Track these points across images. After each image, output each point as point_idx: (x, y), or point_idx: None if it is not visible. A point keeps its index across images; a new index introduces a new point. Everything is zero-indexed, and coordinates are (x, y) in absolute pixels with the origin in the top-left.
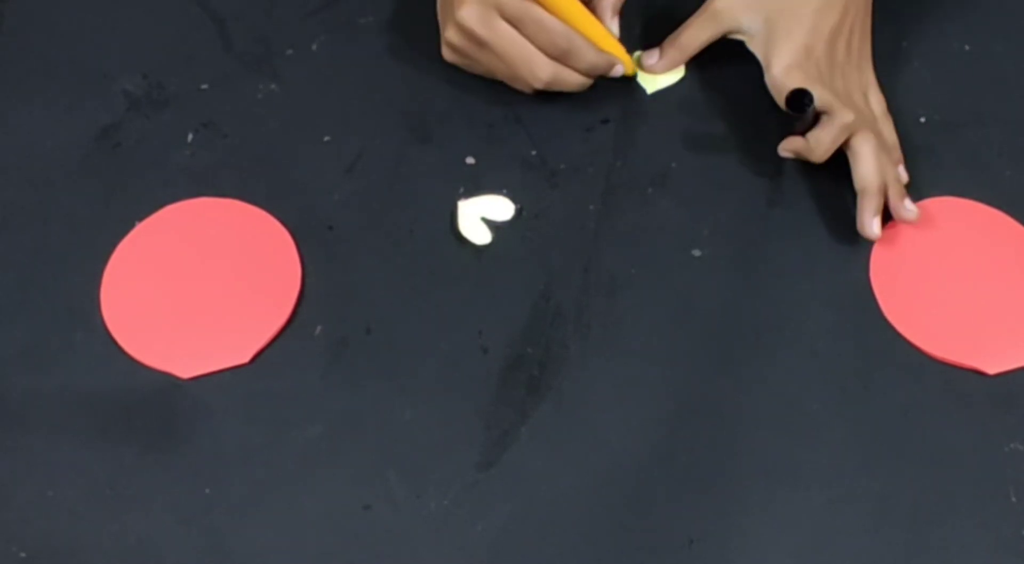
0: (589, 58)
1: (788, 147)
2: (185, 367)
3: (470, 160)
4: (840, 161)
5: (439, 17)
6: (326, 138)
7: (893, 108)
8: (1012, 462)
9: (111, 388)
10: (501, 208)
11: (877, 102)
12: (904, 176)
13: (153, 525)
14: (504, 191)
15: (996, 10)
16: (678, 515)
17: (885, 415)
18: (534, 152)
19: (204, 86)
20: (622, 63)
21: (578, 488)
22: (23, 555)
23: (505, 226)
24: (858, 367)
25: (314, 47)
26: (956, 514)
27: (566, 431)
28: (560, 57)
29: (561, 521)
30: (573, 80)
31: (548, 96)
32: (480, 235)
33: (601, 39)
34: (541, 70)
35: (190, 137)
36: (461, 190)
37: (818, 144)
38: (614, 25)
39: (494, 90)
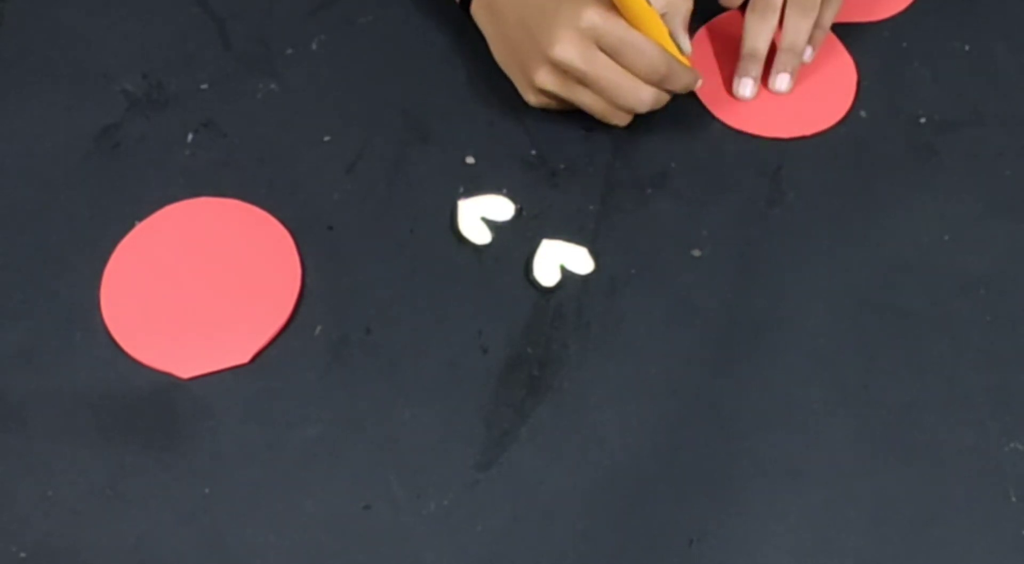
0: (684, 79)
1: None
2: (185, 367)
3: (470, 160)
4: (842, 162)
5: (514, 64)
6: (326, 138)
7: (893, 108)
8: (1012, 462)
9: (111, 388)
10: (501, 208)
11: None
12: (807, 56)
13: (153, 525)
14: (504, 191)
15: (996, 10)
16: (678, 515)
17: (885, 415)
18: (534, 152)
19: (204, 86)
20: (701, 77)
21: (578, 488)
22: (23, 555)
23: (505, 226)
24: (858, 367)
25: (314, 47)
26: (956, 514)
27: (566, 431)
28: (659, 81)
29: (561, 521)
30: (665, 100)
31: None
32: (480, 235)
33: (676, 53)
34: (645, 94)
35: (190, 137)
36: (461, 190)
37: None
38: (685, 41)
39: (494, 90)
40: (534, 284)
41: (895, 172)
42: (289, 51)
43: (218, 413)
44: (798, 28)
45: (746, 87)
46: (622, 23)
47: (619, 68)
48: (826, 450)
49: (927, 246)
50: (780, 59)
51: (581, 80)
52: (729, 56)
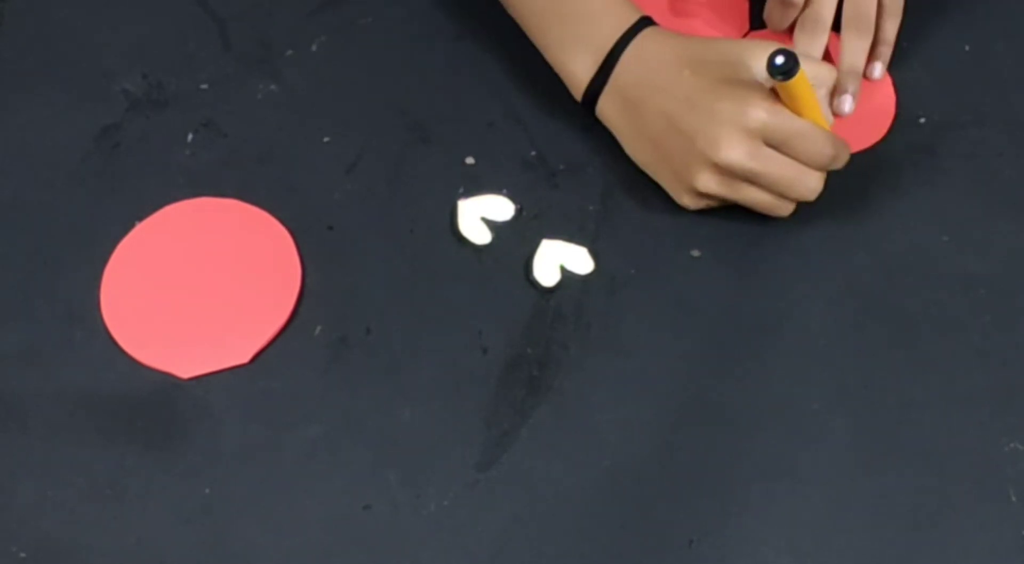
0: (846, 157)
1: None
2: (185, 367)
3: (470, 160)
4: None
5: (664, 166)
6: (326, 138)
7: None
8: (1012, 462)
9: (111, 388)
10: (501, 208)
11: None
12: (877, 73)
13: (153, 525)
14: (504, 191)
15: (996, 10)
16: (678, 515)
17: (885, 415)
18: (534, 152)
19: (204, 86)
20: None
21: (578, 488)
22: (23, 555)
23: (505, 226)
24: (858, 367)
25: (314, 47)
26: (956, 514)
27: (566, 431)
28: (828, 165)
29: (561, 521)
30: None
31: (548, 96)
32: (480, 235)
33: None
34: (814, 182)
35: (190, 137)
36: (461, 190)
37: (766, 10)
38: (830, 115)
39: (494, 90)
40: (534, 284)
41: (895, 172)
42: (289, 52)
43: (218, 413)
44: (855, 49)
45: (848, 103)
46: (787, 114)
47: (788, 160)
48: (826, 450)
49: (927, 246)
50: (841, 81)
51: (748, 179)
52: None
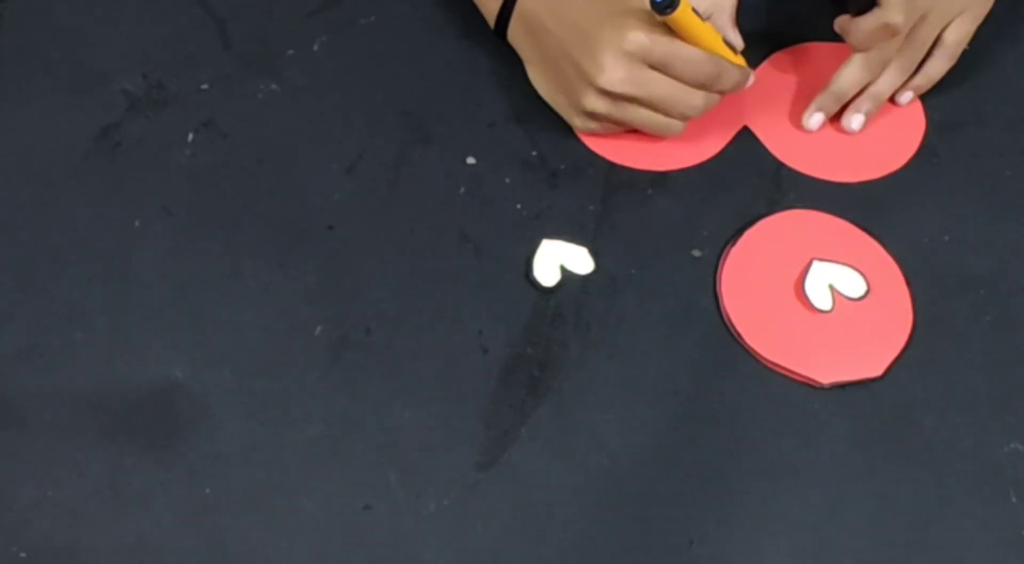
0: (735, 77)
1: (837, 23)
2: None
3: (470, 160)
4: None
5: (556, 90)
6: (326, 138)
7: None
8: (1012, 462)
9: (111, 388)
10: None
11: (956, 33)
12: (905, 99)
13: (153, 525)
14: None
15: (996, 10)
16: (678, 515)
17: (885, 415)
18: (534, 152)
19: (204, 86)
20: (752, 73)
21: (578, 488)
22: (23, 555)
23: (506, 226)
24: None
25: (315, 47)
26: (956, 514)
27: (566, 431)
28: (710, 84)
29: (561, 521)
30: (716, 101)
31: None
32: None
33: (729, 55)
34: (697, 100)
35: (190, 137)
36: (461, 190)
37: (856, 29)
38: (737, 37)
39: (494, 90)
40: (534, 284)
41: (895, 172)
42: (290, 52)
43: (218, 413)
44: (889, 81)
45: (813, 120)
46: (666, 37)
47: (669, 80)
48: (826, 450)
49: (927, 246)
50: (861, 100)
51: (632, 101)
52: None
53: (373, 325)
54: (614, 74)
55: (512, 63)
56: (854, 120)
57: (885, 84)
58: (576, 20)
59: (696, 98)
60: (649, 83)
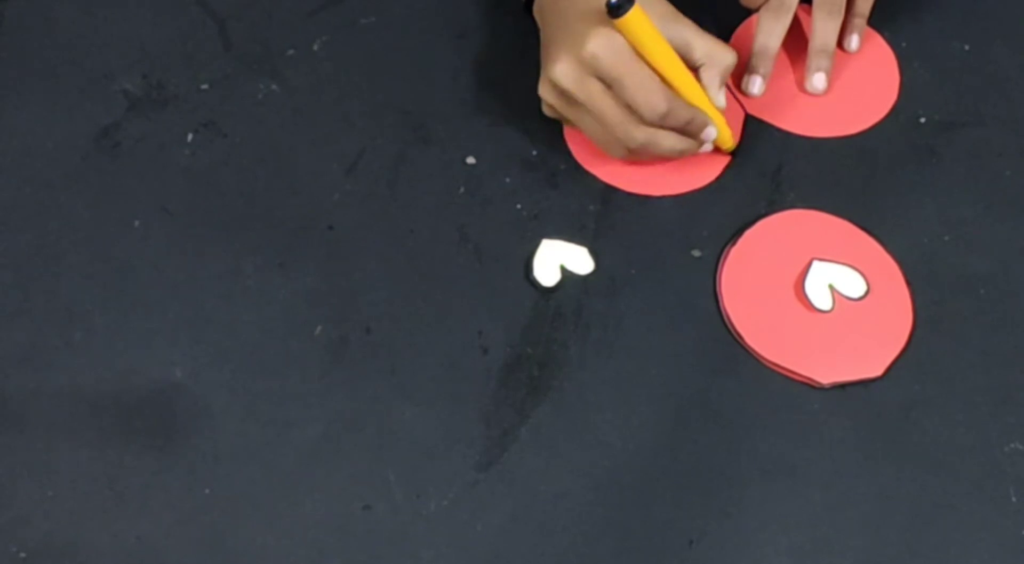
0: (682, 118)
1: None
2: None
3: (470, 160)
4: (842, 162)
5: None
6: (326, 138)
7: (894, 108)
8: (1012, 462)
9: (111, 388)
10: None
11: None
12: (854, 44)
13: (153, 525)
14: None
15: (996, 10)
16: (678, 515)
17: (885, 415)
18: (534, 152)
19: (204, 86)
20: (715, 127)
21: (578, 488)
22: (23, 555)
23: (506, 226)
24: None
25: (315, 47)
26: (956, 514)
27: (566, 431)
28: (658, 120)
29: (561, 521)
30: (667, 144)
31: None
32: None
33: (703, 107)
34: (637, 133)
35: (190, 137)
36: (461, 190)
37: None
38: (719, 97)
39: (495, 90)
40: (534, 284)
41: (895, 172)
42: (290, 52)
43: (218, 413)
44: (826, 29)
45: (754, 84)
46: (627, 56)
47: (613, 103)
48: (826, 450)
49: (927, 246)
50: (813, 60)
51: (575, 104)
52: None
53: (373, 325)
54: (561, 72)
55: (512, 63)
56: (816, 79)
57: (822, 34)
58: (566, 11)
59: (637, 132)
60: (593, 96)
